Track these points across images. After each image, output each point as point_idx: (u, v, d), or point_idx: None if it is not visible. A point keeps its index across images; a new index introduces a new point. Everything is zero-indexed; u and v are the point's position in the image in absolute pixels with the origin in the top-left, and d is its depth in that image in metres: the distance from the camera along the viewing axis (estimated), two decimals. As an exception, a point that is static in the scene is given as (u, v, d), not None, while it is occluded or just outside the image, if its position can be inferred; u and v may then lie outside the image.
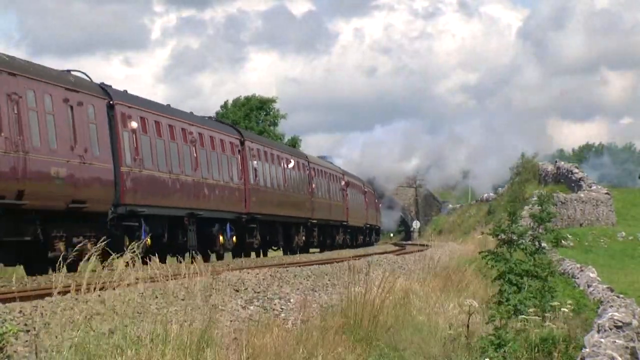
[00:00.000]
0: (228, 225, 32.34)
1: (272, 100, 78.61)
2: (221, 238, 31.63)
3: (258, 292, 16.59)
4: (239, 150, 34.14)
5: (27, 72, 20.82)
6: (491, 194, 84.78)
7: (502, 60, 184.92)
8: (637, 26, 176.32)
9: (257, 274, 19.18)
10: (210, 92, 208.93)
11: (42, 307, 12.22)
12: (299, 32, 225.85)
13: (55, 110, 21.55)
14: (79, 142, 22.33)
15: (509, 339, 12.54)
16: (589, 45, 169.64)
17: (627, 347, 12.24)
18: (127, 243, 22.24)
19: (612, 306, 16.49)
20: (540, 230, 18.65)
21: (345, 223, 52.50)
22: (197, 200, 29.40)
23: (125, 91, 27.20)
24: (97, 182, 23.03)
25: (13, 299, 13.15)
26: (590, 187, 60.43)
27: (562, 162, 69.62)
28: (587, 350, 11.73)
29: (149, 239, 24.91)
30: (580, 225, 55.71)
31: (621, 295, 19.87)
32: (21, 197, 19.48)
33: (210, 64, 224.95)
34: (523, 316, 14.58)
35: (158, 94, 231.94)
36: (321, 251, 42.41)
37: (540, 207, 19.05)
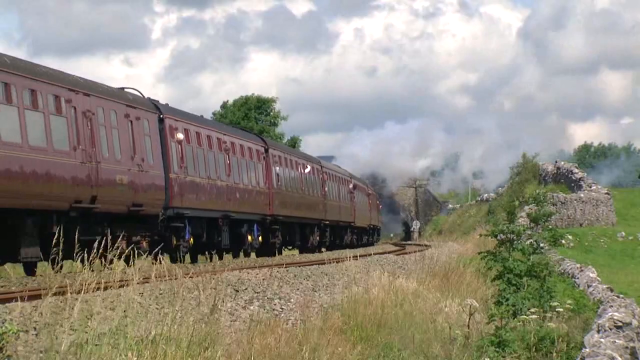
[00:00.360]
0: (255, 226, 35.04)
1: (272, 100, 78.40)
2: (249, 238, 34.27)
3: (258, 292, 16.59)
4: (263, 157, 36.91)
5: (97, 91, 23.73)
6: (491, 194, 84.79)
7: (502, 60, 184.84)
8: (637, 26, 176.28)
9: (257, 274, 19.19)
10: (211, 92, 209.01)
11: (42, 307, 12.22)
12: (299, 32, 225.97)
13: (118, 125, 24.45)
14: (137, 152, 25.18)
15: (509, 338, 12.55)
16: (589, 45, 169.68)
17: (627, 347, 12.24)
18: (174, 242, 27.02)
19: (612, 306, 16.49)
20: (539, 230, 18.67)
21: (352, 224, 54.96)
22: (229, 203, 32.10)
23: (167, 105, 29.90)
24: (151, 188, 25.88)
25: (13, 299, 13.15)
26: (590, 187, 60.45)
27: (562, 162, 69.61)
28: (587, 350, 11.73)
29: (191, 239, 28.31)
30: (580, 225, 55.71)
31: (621, 295, 19.88)
32: (94, 201, 22.31)
33: (211, 64, 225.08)
34: (523, 316, 14.59)
35: (158, 94, 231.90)
36: (331, 250, 44.22)
37: (536, 207, 19.07)
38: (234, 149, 33.31)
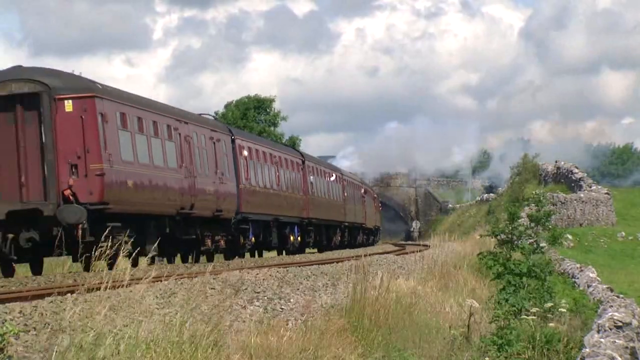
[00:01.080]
0: (295, 227, 40.72)
1: (271, 100, 78.19)
2: (291, 238, 40.05)
3: (258, 292, 16.60)
4: (301, 168, 43.13)
5: (192, 120, 29.74)
6: (491, 194, 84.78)
7: (503, 60, 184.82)
8: (638, 26, 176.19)
9: (257, 274, 19.20)
10: (212, 93, 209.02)
11: (42, 307, 12.23)
12: (301, 32, 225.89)
13: (206, 146, 30.13)
14: (219, 167, 30.91)
15: (512, 339, 12.54)
16: (590, 45, 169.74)
17: (627, 347, 12.24)
18: (242, 241, 33.19)
19: (612, 306, 16.49)
20: (539, 230, 18.69)
21: (364, 225, 60.72)
22: (278, 208, 38.09)
23: (237, 128, 38.78)
24: (228, 196, 31.48)
25: (13, 299, 13.17)
26: (590, 187, 60.45)
27: (562, 162, 69.60)
28: (587, 350, 11.73)
29: (253, 238, 34.43)
30: (580, 225, 55.71)
31: (621, 295, 19.88)
32: (192, 208, 27.77)
33: (212, 64, 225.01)
34: (523, 316, 14.59)
35: (160, 95, 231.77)
36: (350, 248, 48.96)
37: (536, 207, 19.10)
38: (281, 162, 39.58)
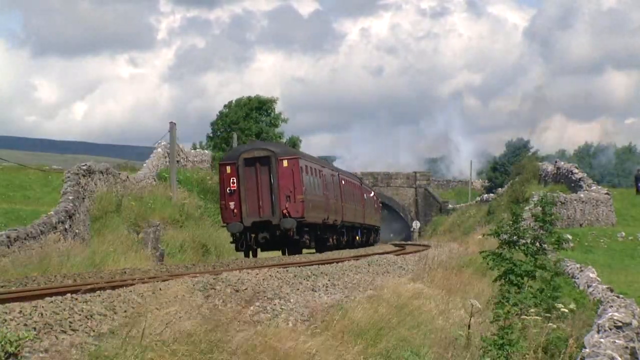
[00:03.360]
0: (359, 230, 57.10)
1: (272, 101, 78.14)
2: (357, 237, 56.17)
3: (258, 292, 16.59)
4: (359, 187, 58.89)
5: (339, 170, 51.49)
6: (491, 194, 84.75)
7: (508, 60, 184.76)
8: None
9: (257, 274, 19.19)
10: (215, 92, 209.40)
11: (42, 307, 12.22)
12: (306, 31, 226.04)
13: (333, 180, 47.28)
14: (356, 196, 54.70)
15: (515, 339, 12.52)
16: (594, 45, 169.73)
17: (627, 347, 12.24)
18: (344, 240, 50.15)
19: (612, 306, 16.49)
20: (542, 232, 18.65)
21: (377, 227, 69.66)
22: (355, 217, 54.80)
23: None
24: (339, 211, 47.89)
25: (13, 299, 13.16)
26: (590, 187, 60.44)
27: (562, 162, 69.56)
28: (587, 350, 11.73)
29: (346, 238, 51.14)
30: (580, 225, 55.68)
31: (621, 295, 19.87)
32: (327, 219, 43.75)
33: (216, 64, 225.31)
34: (524, 316, 14.57)
35: (163, 95, 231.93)
36: (366, 247, 58.87)
37: (542, 209, 19.05)
38: (355, 186, 56.59)
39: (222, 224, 40.31)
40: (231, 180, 39.32)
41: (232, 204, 39.06)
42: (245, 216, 38.63)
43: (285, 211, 38.48)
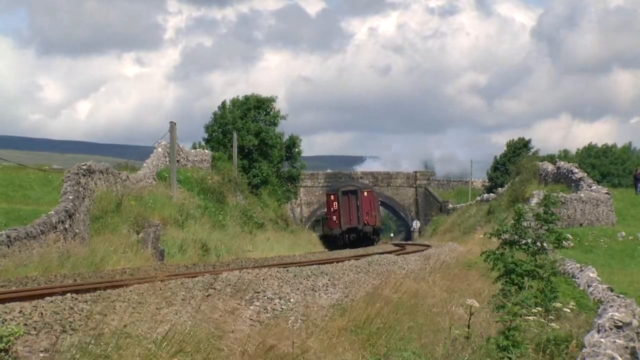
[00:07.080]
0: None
1: (271, 100, 77.83)
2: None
3: (258, 292, 16.59)
4: (376, 197, 74.15)
5: (362, 186, 73.83)
6: (491, 194, 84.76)
7: (515, 58, 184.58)
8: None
9: (257, 274, 19.19)
10: (221, 91, 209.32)
11: (42, 307, 12.22)
12: (313, 31, 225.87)
13: (367, 199, 69.75)
14: (372, 208, 70.08)
15: (518, 339, 12.50)
16: (602, 44, 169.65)
17: (627, 347, 12.24)
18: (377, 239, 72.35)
19: (612, 306, 16.49)
20: (543, 231, 18.64)
21: (380, 228, 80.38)
22: (378, 222, 73.43)
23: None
24: (371, 220, 70.71)
25: (13, 299, 13.16)
26: (590, 187, 60.43)
27: (562, 162, 69.57)
28: (587, 350, 11.73)
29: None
30: (580, 225, 55.68)
31: (621, 295, 19.86)
32: (362, 226, 68.92)
33: (222, 63, 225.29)
34: (525, 316, 14.55)
35: (169, 94, 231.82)
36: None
37: (544, 208, 19.03)
38: (372, 196, 71.28)
39: (328, 229, 69.56)
40: (334, 204, 68.73)
41: (334, 217, 68.35)
42: (342, 224, 67.65)
43: (365, 221, 67.82)
